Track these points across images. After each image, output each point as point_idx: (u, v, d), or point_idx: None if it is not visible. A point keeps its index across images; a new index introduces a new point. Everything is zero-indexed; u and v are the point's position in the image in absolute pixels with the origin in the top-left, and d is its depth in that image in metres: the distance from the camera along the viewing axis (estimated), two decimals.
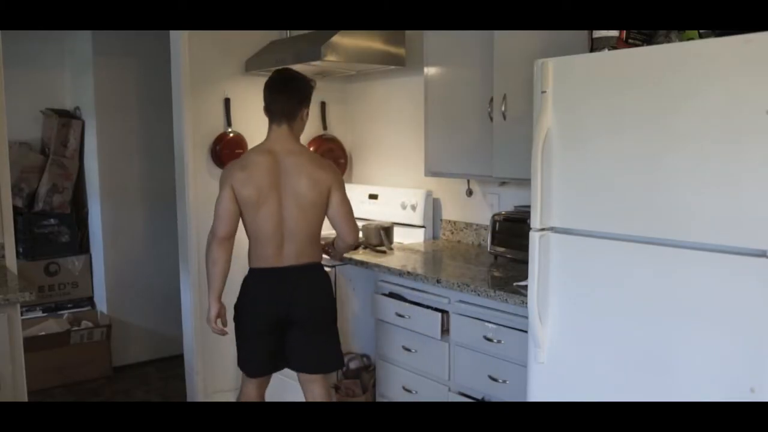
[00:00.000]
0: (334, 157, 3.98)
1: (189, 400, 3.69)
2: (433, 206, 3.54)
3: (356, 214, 3.73)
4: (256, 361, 2.68)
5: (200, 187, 3.52)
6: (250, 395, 2.75)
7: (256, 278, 2.61)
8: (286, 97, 2.55)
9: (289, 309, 2.58)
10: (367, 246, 3.35)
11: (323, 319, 2.65)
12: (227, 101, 3.58)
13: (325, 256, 2.83)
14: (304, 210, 2.54)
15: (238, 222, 2.57)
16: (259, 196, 2.51)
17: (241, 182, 2.51)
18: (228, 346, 3.67)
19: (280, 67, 2.77)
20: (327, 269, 3.14)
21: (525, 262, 2.11)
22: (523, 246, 2.38)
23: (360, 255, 3.13)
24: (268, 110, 2.59)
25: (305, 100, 2.60)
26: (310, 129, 3.90)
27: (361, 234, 3.40)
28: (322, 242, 2.77)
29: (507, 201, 3.15)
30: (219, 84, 3.55)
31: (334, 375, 3.22)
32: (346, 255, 3.07)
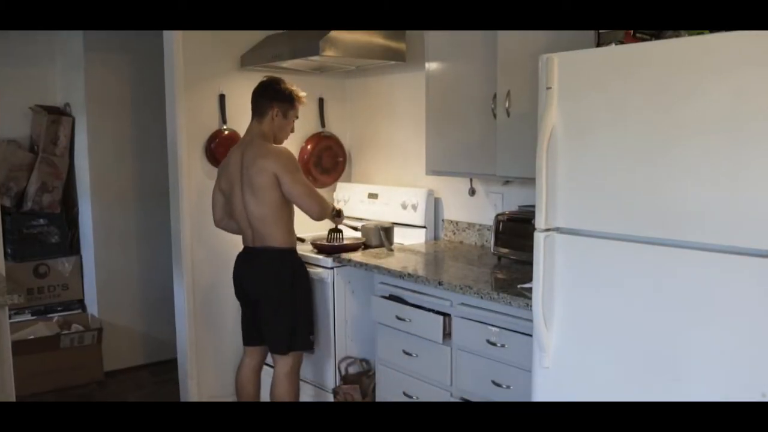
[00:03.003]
0: (332, 155, 3.98)
1: None
2: (435, 206, 3.54)
3: (355, 214, 3.78)
4: (243, 328, 3.15)
5: (194, 185, 3.52)
6: (243, 363, 3.17)
7: (237, 256, 3.09)
8: (260, 95, 2.99)
9: (243, 285, 3.04)
10: (367, 246, 3.35)
11: (267, 301, 2.96)
12: (222, 97, 3.58)
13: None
14: (256, 196, 2.88)
15: (224, 209, 3.07)
16: (229, 185, 2.97)
17: (219, 175, 3.07)
18: (223, 350, 3.67)
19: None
20: (321, 269, 3.15)
21: (529, 264, 2.11)
22: (527, 247, 2.38)
23: (359, 256, 3.13)
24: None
25: (276, 100, 2.96)
26: (308, 126, 3.90)
27: (360, 234, 3.41)
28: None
29: (511, 200, 3.15)
30: (214, 80, 3.55)
31: (330, 379, 3.22)
32: (344, 256, 3.12)
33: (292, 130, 3.07)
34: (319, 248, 3.30)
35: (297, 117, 3.05)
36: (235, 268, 3.08)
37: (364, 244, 3.36)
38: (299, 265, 3.03)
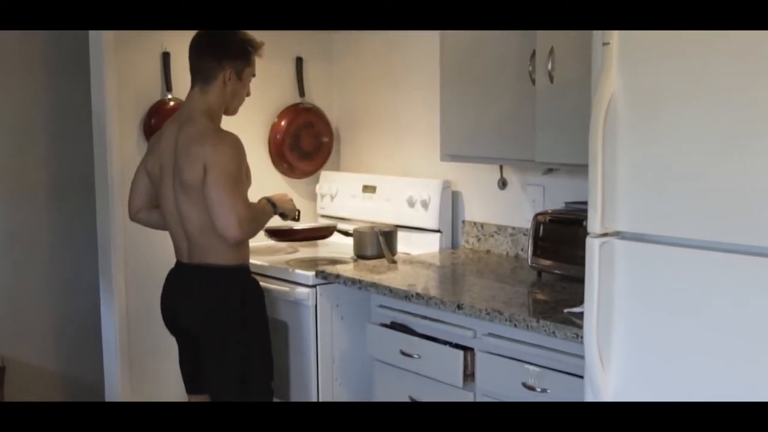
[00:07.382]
0: (314, 134, 3.99)
1: None
2: (453, 203, 3.55)
3: (345, 214, 3.77)
4: (182, 372, 3.12)
5: (128, 175, 3.49)
6: None
7: (168, 275, 3.05)
8: (202, 52, 2.89)
9: (175, 315, 3.01)
10: (360, 258, 3.34)
11: (207, 338, 2.92)
12: (166, 57, 3.59)
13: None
14: (187, 194, 2.81)
15: (148, 197, 3.03)
16: (159, 171, 2.91)
17: (148, 153, 3.01)
18: (167, 396, 3.67)
19: None
20: (298, 288, 3.15)
21: (580, 280, 2.11)
22: (576, 258, 2.38)
23: (351, 270, 3.13)
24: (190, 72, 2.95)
25: (227, 58, 2.85)
26: (282, 96, 3.90)
27: (352, 239, 3.41)
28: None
29: (555, 195, 3.16)
30: (155, 33, 3.55)
31: None
32: (330, 270, 3.11)
33: (248, 94, 3.00)
34: (272, 233, 3.49)
35: (254, 75, 2.97)
36: (163, 290, 3.03)
37: (356, 254, 3.36)
38: (252, 289, 2.97)
